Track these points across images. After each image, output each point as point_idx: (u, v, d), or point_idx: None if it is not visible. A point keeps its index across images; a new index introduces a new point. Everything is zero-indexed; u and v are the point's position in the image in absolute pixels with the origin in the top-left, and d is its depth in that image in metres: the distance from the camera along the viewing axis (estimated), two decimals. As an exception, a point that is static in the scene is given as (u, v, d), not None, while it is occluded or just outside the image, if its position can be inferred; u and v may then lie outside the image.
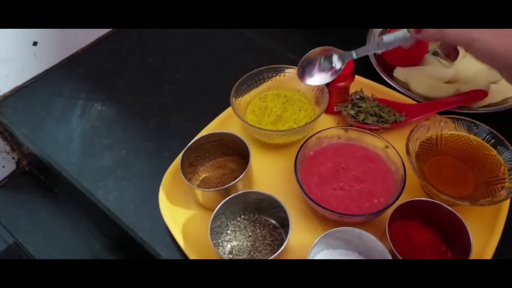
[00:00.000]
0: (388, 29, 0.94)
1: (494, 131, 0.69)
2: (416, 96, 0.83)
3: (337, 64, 0.74)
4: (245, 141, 0.70)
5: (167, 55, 0.99)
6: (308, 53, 0.74)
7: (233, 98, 0.77)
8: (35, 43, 0.92)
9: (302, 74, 0.76)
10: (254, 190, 0.66)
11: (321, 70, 0.75)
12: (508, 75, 0.63)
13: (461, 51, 0.73)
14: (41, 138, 0.85)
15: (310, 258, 0.59)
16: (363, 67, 0.91)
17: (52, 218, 0.98)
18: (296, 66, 0.79)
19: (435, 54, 0.94)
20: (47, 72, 0.97)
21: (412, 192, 0.68)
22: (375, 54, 0.92)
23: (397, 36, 0.68)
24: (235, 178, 0.66)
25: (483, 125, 0.70)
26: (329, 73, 0.75)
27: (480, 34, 0.58)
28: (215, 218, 0.63)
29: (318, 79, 0.75)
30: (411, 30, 0.61)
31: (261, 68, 0.80)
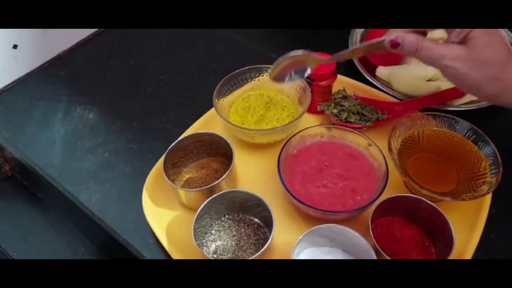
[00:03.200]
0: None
1: (475, 127, 0.70)
2: (399, 94, 0.83)
3: (308, 71, 0.71)
4: (228, 141, 0.69)
5: (149, 57, 0.99)
6: (276, 65, 0.69)
7: (216, 99, 0.77)
8: (15, 46, 0.91)
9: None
10: (237, 190, 0.65)
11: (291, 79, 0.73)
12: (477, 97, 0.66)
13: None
14: (23, 141, 0.85)
15: (294, 255, 0.59)
16: (346, 67, 0.92)
17: (36, 223, 0.97)
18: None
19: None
20: (28, 76, 0.96)
21: (395, 189, 0.68)
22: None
23: (372, 44, 0.64)
24: (219, 178, 0.66)
25: (464, 121, 0.70)
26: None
27: (452, 62, 0.58)
28: (199, 218, 0.63)
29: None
30: (387, 43, 0.60)
31: (243, 69, 0.80)
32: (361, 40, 0.97)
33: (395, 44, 0.60)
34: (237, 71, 0.80)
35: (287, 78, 0.71)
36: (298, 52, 0.68)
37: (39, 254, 0.91)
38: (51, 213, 0.97)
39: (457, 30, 0.59)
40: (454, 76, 0.60)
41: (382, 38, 0.61)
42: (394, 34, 0.60)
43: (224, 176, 0.65)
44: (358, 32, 0.97)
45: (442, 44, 0.60)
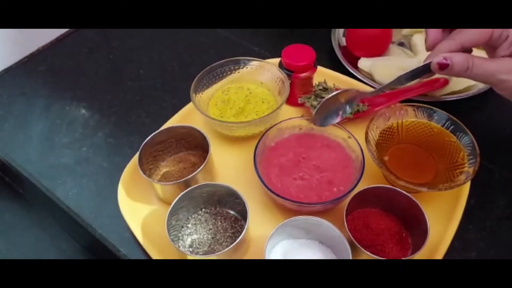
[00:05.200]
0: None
1: (453, 117, 0.69)
2: (380, 86, 0.83)
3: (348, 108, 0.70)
4: (204, 134, 0.69)
5: (130, 51, 0.98)
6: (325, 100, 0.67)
7: (193, 94, 0.76)
8: (-8, 41, 0.90)
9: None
10: (213, 183, 0.65)
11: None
12: None
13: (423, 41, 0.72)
14: (1, 137, 0.83)
15: (270, 247, 0.58)
16: (328, 58, 0.91)
17: (17, 220, 0.96)
18: (261, 59, 0.80)
19: (400, 44, 0.95)
20: (6, 71, 0.95)
21: (374, 181, 0.67)
22: (339, 45, 0.93)
23: (418, 71, 0.62)
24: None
25: (442, 111, 0.70)
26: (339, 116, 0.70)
27: (508, 75, 0.57)
28: (174, 212, 0.62)
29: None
30: (434, 66, 0.58)
31: (221, 61, 0.79)
32: (343, 35, 0.96)
33: (443, 66, 0.58)
34: (215, 64, 0.79)
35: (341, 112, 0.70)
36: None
37: (20, 250, 0.90)
38: (33, 210, 0.96)
39: (507, 43, 0.57)
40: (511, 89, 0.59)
41: (427, 62, 0.59)
42: (440, 55, 0.58)
43: (199, 169, 0.65)
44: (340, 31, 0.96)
45: (493, 60, 0.58)
